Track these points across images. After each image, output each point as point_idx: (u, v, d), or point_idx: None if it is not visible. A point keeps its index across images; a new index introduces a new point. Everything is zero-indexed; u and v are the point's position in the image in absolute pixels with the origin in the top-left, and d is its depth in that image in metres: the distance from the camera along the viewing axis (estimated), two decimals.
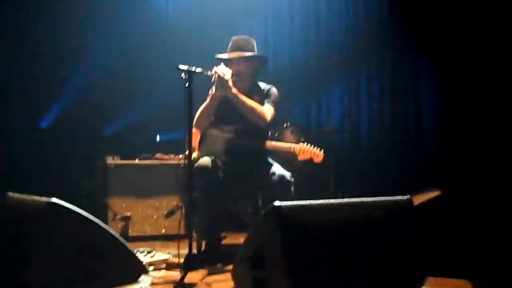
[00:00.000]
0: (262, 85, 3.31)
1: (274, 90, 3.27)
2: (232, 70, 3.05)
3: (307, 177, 4.54)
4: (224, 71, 2.96)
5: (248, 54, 3.17)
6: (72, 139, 4.81)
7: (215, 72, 2.92)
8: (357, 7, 5.71)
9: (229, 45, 3.22)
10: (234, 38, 3.24)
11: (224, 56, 3.18)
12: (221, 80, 2.94)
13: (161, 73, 4.82)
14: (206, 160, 3.01)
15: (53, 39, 4.84)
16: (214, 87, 3.02)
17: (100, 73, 4.84)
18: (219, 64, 3.00)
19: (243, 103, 3.05)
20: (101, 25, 4.88)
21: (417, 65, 5.57)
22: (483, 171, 4.31)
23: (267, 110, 3.15)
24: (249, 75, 3.20)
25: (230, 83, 2.99)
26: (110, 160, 4.14)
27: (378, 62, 5.66)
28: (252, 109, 3.06)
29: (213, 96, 3.05)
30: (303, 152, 3.04)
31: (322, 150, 3.05)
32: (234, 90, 3.01)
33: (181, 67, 2.62)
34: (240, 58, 3.15)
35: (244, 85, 3.16)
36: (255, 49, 3.23)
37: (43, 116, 4.87)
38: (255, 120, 3.09)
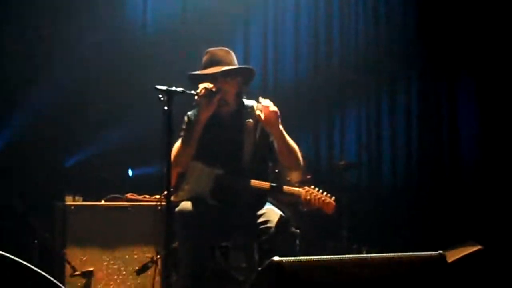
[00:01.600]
0: (249, 103, 3.26)
1: None
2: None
3: (315, 226, 4.54)
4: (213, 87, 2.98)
5: (233, 67, 3.16)
6: (23, 172, 4.79)
7: (204, 89, 2.93)
8: (377, 15, 5.80)
9: (205, 59, 3.21)
10: (211, 49, 3.23)
11: (203, 72, 3.14)
12: (211, 95, 2.95)
13: (134, 96, 4.86)
14: (188, 204, 3.00)
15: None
16: (200, 109, 3.02)
17: (60, 92, 4.85)
18: (197, 83, 3.01)
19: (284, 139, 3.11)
20: (63, 37, 4.94)
21: (453, 87, 5.63)
22: None
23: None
24: (236, 93, 3.19)
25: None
26: (69, 201, 4.13)
27: (404, 82, 5.72)
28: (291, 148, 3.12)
29: (198, 120, 3.04)
30: (309, 202, 3.02)
31: (334, 198, 3.03)
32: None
33: (159, 87, 2.67)
34: (223, 73, 3.10)
35: (231, 107, 3.16)
36: (236, 63, 3.23)
37: None
38: (288, 163, 3.17)
